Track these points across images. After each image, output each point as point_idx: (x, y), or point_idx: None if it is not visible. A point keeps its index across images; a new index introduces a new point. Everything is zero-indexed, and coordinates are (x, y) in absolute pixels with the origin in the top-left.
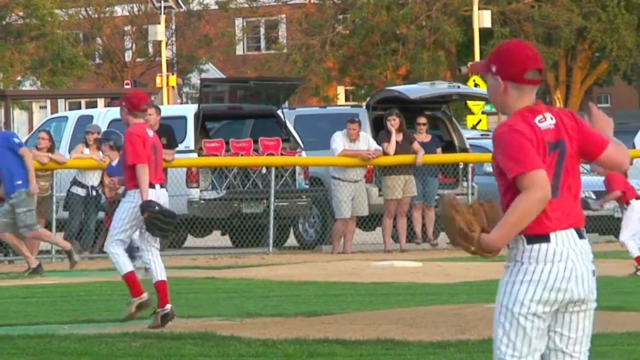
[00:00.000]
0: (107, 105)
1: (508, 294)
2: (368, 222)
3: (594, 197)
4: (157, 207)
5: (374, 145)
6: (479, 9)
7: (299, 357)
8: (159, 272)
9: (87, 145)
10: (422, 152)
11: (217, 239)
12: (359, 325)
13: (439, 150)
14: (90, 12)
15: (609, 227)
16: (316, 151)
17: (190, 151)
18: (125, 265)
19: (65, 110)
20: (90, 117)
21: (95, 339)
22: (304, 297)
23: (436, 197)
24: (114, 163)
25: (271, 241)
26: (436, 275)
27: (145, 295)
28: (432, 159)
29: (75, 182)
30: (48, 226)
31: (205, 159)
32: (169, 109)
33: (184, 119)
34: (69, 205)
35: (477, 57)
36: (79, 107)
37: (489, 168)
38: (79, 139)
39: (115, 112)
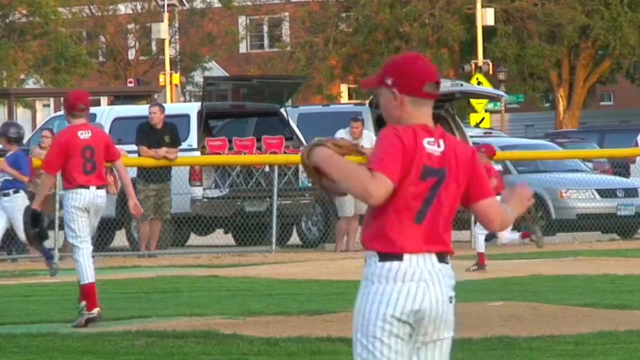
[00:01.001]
0: (111, 103)
1: (361, 315)
2: None
3: (597, 196)
4: (29, 219)
5: None
6: (482, 6)
7: (301, 356)
8: (88, 275)
9: None
10: None
11: (220, 237)
12: None
13: None
14: (93, 11)
15: (612, 225)
16: None
17: (193, 149)
18: (88, 275)
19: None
20: (94, 115)
21: (97, 337)
22: (307, 295)
23: None
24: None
25: (274, 239)
26: None
27: (95, 311)
28: None
29: None
30: (51, 224)
31: (208, 158)
32: (172, 107)
33: (187, 117)
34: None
35: (480, 55)
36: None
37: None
38: None
39: (118, 110)
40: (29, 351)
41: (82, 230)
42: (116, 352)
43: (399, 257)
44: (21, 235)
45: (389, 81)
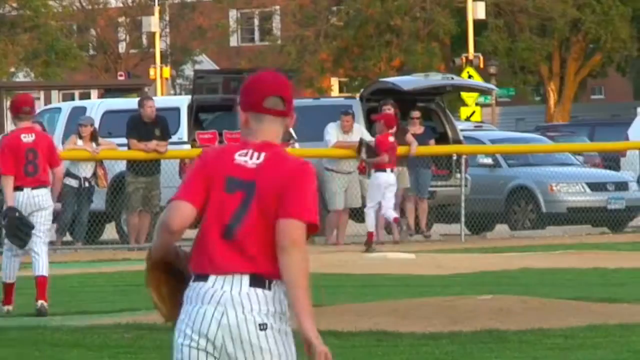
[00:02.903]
0: (101, 96)
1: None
2: (361, 213)
3: (588, 190)
4: (17, 214)
5: (367, 136)
6: (473, 0)
7: None
8: (40, 267)
9: (80, 137)
10: (416, 144)
11: None
12: (352, 316)
13: (432, 141)
14: (84, 4)
15: (602, 218)
16: (309, 143)
17: (184, 142)
18: (10, 275)
19: (59, 101)
20: (84, 109)
21: (87, 330)
22: None
23: (429, 189)
24: None
25: None
26: (429, 267)
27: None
28: (426, 151)
29: (68, 174)
30: None
31: (198, 151)
32: (162, 101)
33: (177, 110)
34: (61, 196)
35: (471, 49)
36: (73, 99)
37: (482, 160)
38: (73, 130)
39: (108, 104)
40: (19, 344)
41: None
42: (106, 344)
43: (204, 277)
44: None
45: (237, 100)
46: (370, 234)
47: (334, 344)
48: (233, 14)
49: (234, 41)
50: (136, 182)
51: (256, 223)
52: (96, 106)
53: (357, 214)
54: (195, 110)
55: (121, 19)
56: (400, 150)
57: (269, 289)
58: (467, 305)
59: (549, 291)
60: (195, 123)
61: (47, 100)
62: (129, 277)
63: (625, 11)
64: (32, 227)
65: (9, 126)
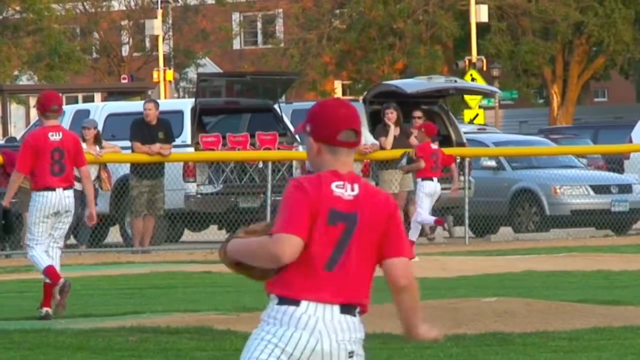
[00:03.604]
0: (104, 99)
1: (247, 350)
2: None
3: (591, 192)
4: (4, 221)
5: (370, 139)
6: (476, 3)
7: None
8: (44, 261)
9: (84, 140)
10: None
11: (214, 233)
12: None
13: (435, 145)
14: (87, 7)
15: (605, 221)
16: None
17: (187, 145)
18: (43, 261)
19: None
20: (87, 112)
21: (91, 333)
22: None
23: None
24: None
25: None
26: (433, 270)
27: (61, 281)
28: None
29: None
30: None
31: (202, 154)
32: (166, 104)
33: (180, 113)
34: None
35: (474, 52)
36: (76, 102)
37: (485, 162)
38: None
39: (111, 107)
40: (23, 347)
41: (40, 235)
42: (110, 347)
43: (296, 302)
44: None
45: (308, 128)
46: (410, 243)
47: None
48: (236, 17)
49: (237, 44)
50: (140, 186)
51: (355, 255)
52: (99, 109)
53: None
54: (199, 113)
55: (124, 22)
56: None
57: (356, 316)
58: (471, 308)
59: (553, 294)
60: (199, 126)
61: None
62: (133, 280)
63: (628, 14)
64: (12, 231)
65: (12, 129)
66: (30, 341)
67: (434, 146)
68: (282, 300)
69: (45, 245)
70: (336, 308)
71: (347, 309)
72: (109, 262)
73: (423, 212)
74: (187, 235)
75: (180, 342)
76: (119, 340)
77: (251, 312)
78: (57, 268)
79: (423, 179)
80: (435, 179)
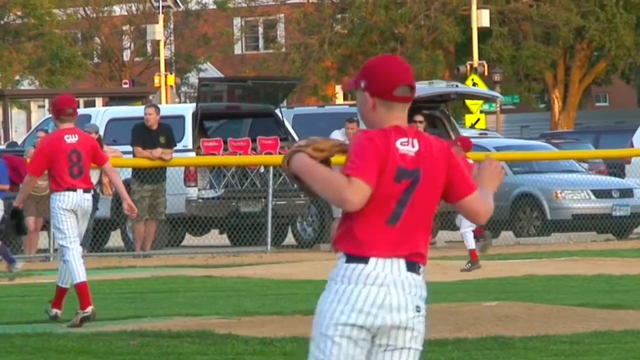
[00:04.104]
0: (105, 104)
1: (318, 314)
2: None
3: (593, 197)
4: (5, 216)
5: None
6: (478, 8)
7: (296, 355)
8: (79, 274)
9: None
10: None
11: (215, 237)
12: None
13: None
14: (88, 12)
15: (607, 225)
16: None
17: (189, 150)
18: (80, 275)
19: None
20: (89, 117)
21: (92, 337)
22: (302, 295)
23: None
24: None
25: (269, 240)
26: (434, 274)
27: (89, 310)
28: None
29: None
30: (47, 225)
31: (203, 158)
32: (167, 109)
33: (182, 118)
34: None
35: (475, 57)
36: (77, 107)
37: None
38: None
39: (113, 112)
40: (24, 351)
41: (70, 231)
42: (111, 352)
43: (364, 260)
44: None
45: (362, 84)
46: (472, 252)
47: None
48: (237, 21)
49: (238, 49)
50: (142, 190)
51: (416, 209)
52: (101, 114)
53: None
54: (200, 118)
55: (126, 27)
56: None
57: (419, 274)
58: (472, 312)
59: (554, 298)
60: (200, 131)
61: None
62: (134, 284)
63: (629, 19)
64: (22, 234)
65: (14, 134)
66: (32, 345)
67: (470, 161)
68: (350, 259)
69: (78, 242)
70: (402, 263)
71: (411, 266)
72: (110, 266)
73: (465, 221)
74: (189, 239)
75: (181, 346)
76: (120, 344)
77: (252, 316)
78: (82, 270)
79: None
80: None
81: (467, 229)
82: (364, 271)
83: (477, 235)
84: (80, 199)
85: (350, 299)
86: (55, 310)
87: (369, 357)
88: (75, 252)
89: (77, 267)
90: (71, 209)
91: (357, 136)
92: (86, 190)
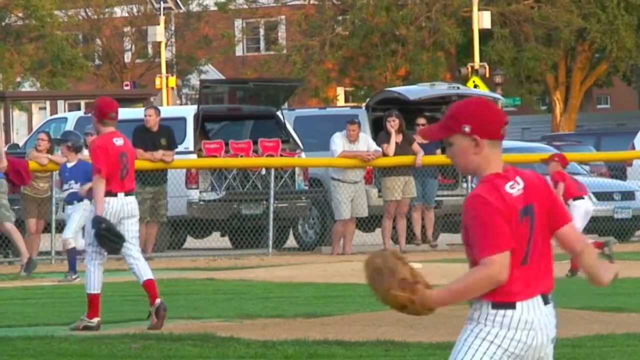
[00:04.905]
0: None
1: (464, 352)
2: (368, 223)
3: (593, 199)
4: (104, 225)
5: (373, 146)
6: (479, 10)
7: (298, 358)
8: (144, 272)
9: (86, 147)
10: (422, 153)
11: (217, 240)
12: (359, 326)
13: (438, 151)
14: (89, 13)
15: (608, 228)
16: (316, 152)
17: (190, 152)
18: (95, 285)
19: (65, 111)
20: (90, 119)
21: (95, 340)
22: (304, 298)
23: (435, 199)
24: (70, 164)
25: (271, 242)
26: (436, 277)
27: (95, 321)
28: (432, 160)
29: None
30: (47, 227)
31: (204, 160)
32: (168, 110)
33: (183, 120)
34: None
35: (476, 58)
36: (79, 108)
37: None
38: None
39: None
40: (26, 354)
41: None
42: (113, 355)
43: (512, 305)
44: (82, 242)
45: (467, 128)
46: (572, 260)
47: (341, 353)
48: (238, 23)
49: (239, 51)
50: (143, 193)
51: (539, 243)
52: None
53: (363, 224)
54: (202, 120)
55: (127, 29)
56: (407, 159)
57: (551, 303)
58: None
59: (555, 300)
60: (201, 133)
61: (53, 110)
62: (136, 287)
63: (630, 21)
64: (121, 236)
65: (15, 136)
66: (34, 348)
67: (568, 175)
68: (497, 305)
69: (104, 256)
70: (540, 300)
71: (546, 299)
72: (111, 269)
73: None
74: (190, 242)
75: (183, 349)
76: (122, 348)
77: (254, 319)
78: (146, 267)
79: (575, 199)
80: (586, 197)
81: None
82: (513, 317)
83: (597, 247)
84: (121, 204)
85: (503, 344)
86: (158, 300)
87: None
88: (96, 262)
89: (94, 277)
90: (112, 214)
91: (473, 204)
92: (128, 194)
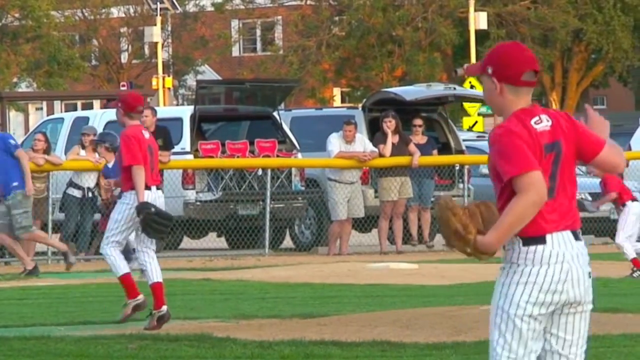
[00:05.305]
0: (103, 106)
1: (504, 296)
2: (364, 223)
3: (589, 198)
4: (153, 209)
5: (369, 146)
6: (475, 10)
7: (294, 359)
8: (155, 274)
9: (83, 147)
10: (418, 154)
11: (213, 240)
12: (355, 326)
13: (434, 151)
14: (86, 14)
15: (605, 228)
16: (312, 153)
17: (186, 153)
18: (121, 267)
19: (61, 111)
20: (86, 119)
21: (91, 340)
22: (300, 298)
23: (432, 199)
24: (110, 164)
25: (267, 243)
26: (432, 277)
27: (140, 297)
28: (428, 161)
29: (71, 184)
30: (44, 228)
31: (201, 161)
32: (164, 111)
33: (179, 120)
34: (65, 206)
35: (473, 59)
36: (75, 109)
37: (484, 169)
38: (75, 141)
39: (111, 114)
40: (23, 354)
41: (122, 234)
42: (110, 355)
43: (542, 239)
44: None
45: (489, 70)
46: (634, 261)
47: (337, 354)
48: (235, 24)
49: (236, 51)
50: None
51: (563, 178)
52: (99, 116)
53: (360, 224)
54: (198, 121)
55: (123, 29)
56: (403, 160)
57: (581, 239)
58: (470, 315)
59: None
60: (198, 133)
61: (50, 111)
62: None
63: (627, 21)
64: (170, 217)
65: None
66: (30, 348)
67: (619, 177)
68: (528, 240)
69: (121, 246)
70: (570, 235)
71: (576, 234)
72: (107, 269)
73: (621, 232)
74: (186, 242)
75: (179, 350)
76: (118, 348)
77: (250, 320)
78: (157, 271)
79: (632, 201)
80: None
81: (623, 242)
82: (544, 253)
83: (637, 267)
84: (153, 197)
85: (537, 280)
86: (164, 307)
87: (547, 322)
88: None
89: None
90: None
91: (497, 135)
92: (158, 187)
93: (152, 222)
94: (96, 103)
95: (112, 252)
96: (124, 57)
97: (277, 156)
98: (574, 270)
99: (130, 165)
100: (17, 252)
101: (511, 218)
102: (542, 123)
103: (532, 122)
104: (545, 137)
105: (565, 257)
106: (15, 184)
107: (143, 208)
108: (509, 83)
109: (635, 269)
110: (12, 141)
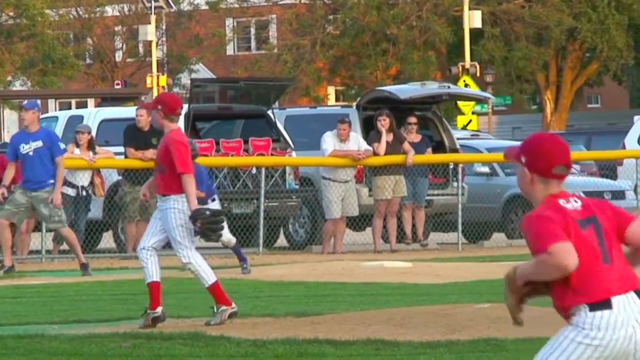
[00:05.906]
0: (98, 105)
1: (565, 353)
2: (358, 222)
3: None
4: (207, 212)
5: (364, 145)
6: (470, 9)
7: (288, 357)
8: (154, 273)
9: (78, 146)
10: (412, 153)
11: None
12: (349, 325)
13: (429, 150)
14: (80, 12)
15: None
16: (306, 151)
17: None
18: (208, 273)
19: (56, 110)
20: (81, 117)
21: (85, 339)
22: (294, 297)
23: (426, 198)
24: None
25: (261, 241)
26: (426, 276)
27: (234, 305)
28: (422, 159)
29: (65, 182)
30: (39, 226)
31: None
32: None
33: None
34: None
35: (467, 58)
36: (69, 108)
37: (479, 168)
38: (69, 140)
39: (105, 113)
40: (16, 352)
41: (189, 236)
42: (103, 354)
43: (608, 303)
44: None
45: (523, 159)
46: None
47: (331, 352)
48: (229, 22)
49: (230, 50)
50: (134, 192)
51: (613, 245)
52: (93, 115)
53: (354, 223)
54: (192, 119)
55: (118, 28)
56: (397, 158)
57: None
58: (464, 314)
59: (546, 300)
60: (192, 132)
61: (44, 109)
62: (126, 286)
63: (621, 20)
64: (222, 211)
65: (6, 134)
66: (24, 347)
67: None
68: (594, 306)
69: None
70: (634, 296)
71: (638, 294)
72: (102, 267)
73: None
74: None
75: (173, 348)
76: (112, 346)
77: (244, 318)
78: (157, 270)
79: None
80: None
81: None
82: (611, 318)
83: None
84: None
85: (601, 344)
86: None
87: None
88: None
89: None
90: (186, 212)
91: (529, 221)
92: None
93: (211, 224)
94: (90, 101)
95: (196, 259)
96: (119, 56)
97: (272, 155)
98: (637, 334)
99: (183, 173)
100: (4, 245)
101: (529, 269)
102: (571, 204)
103: (561, 202)
104: (578, 214)
105: (630, 322)
106: (51, 181)
107: (198, 215)
108: (539, 175)
109: None
110: (61, 145)
